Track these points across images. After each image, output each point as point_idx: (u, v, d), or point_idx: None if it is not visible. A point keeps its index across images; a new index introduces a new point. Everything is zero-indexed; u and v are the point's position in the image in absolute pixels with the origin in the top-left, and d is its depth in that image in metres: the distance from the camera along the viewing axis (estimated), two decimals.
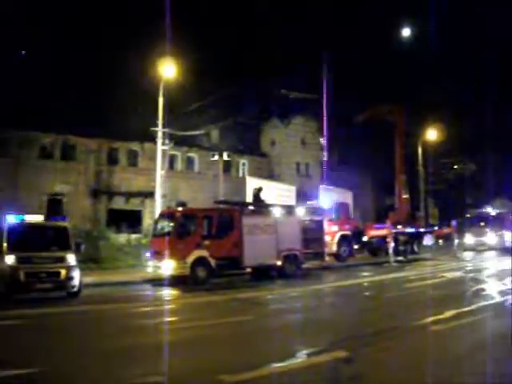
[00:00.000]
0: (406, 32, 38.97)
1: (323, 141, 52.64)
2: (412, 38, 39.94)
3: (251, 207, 22.70)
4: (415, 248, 32.08)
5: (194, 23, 41.52)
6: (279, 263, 20.51)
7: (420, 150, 41.87)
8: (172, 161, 37.52)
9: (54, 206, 31.03)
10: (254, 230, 20.08)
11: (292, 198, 35.77)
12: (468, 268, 23.20)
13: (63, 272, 14.82)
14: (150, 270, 19.45)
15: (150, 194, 29.69)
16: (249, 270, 20.70)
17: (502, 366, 7.09)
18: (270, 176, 43.39)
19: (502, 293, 13.97)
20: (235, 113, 39.36)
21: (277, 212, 21.98)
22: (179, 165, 39.43)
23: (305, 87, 42.64)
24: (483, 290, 14.90)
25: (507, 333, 9.15)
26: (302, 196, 36.45)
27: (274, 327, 10.54)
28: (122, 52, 32.76)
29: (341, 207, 29.50)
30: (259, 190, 24.11)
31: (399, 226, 30.97)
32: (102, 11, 38.82)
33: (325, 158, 52.73)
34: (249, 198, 26.57)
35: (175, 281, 17.92)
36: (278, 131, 46.56)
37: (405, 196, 34.47)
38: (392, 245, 27.98)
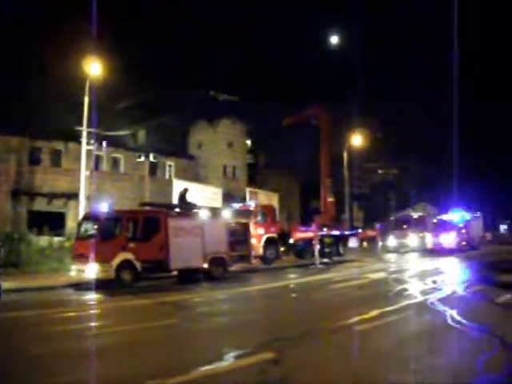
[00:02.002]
0: (334, 39, 39.83)
1: (250, 143, 53.10)
2: (339, 46, 40.88)
3: (177, 209, 22.45)
4: (340, 250, 32.72)
5: (122, 22, 40.88)
6: (206, 266, 20.40)
7: (345, 154, 42.76)
8: (97, 161, 36.60)
9: None
10: (181, 232, 19.86)
11: (218, 200, 35.82)
12: (391, 269, 23.81)
13: None
14: (73, 273, 18.87)
15: (74, 196, 28.84)
16: (175, 272, 20.43)
17: (424, 361, 7.29)
18: (197, 178, 43.17)
19: (424, 292, 14.40)
20: (163, 114, 38.91)
21: (203, 214, 21.86)
22: (104, 165, 38.54)
23: (233, 90, 42.78)
24: (406, 289, 15.29)
25: (428, 330, 9.46)
26: (229, 198, 36.49)
27: (201, 330, 10.42)
28: (47, 49, 31.68)
29: (267, 210, 29.70)
30: (185, 191, 23.89)
31: (325, 229, 31.49)
32: (25, 8, 37.55)
33: (251, 161, 53.17)
34: (175, 200, 26.35)
35: (100, 285, 17.44)
36: (205, 133, 46.39)
37: (330, 199, 35.08)
38: (318, 247, 28.43)
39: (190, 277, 20.37)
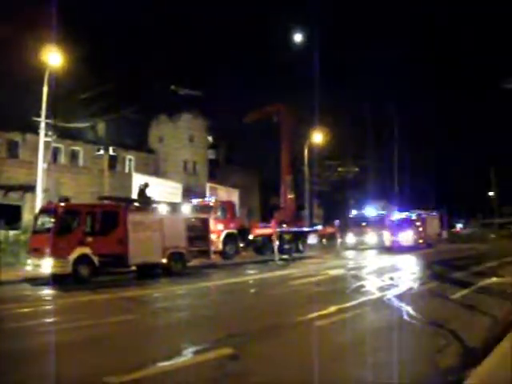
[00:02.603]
0: (298, 38, 39.96)
1: (211, 139, 52.96)
2: (303, 44, 41.05)
3: (137, 204, 22.25)
4: (300, 247, 32.99)
5: (85, 11, 40.17)
6: (165, 261, 20.27)
7: (306, 152, 43.01)
8: (55, 154, 35.92)
9: None
10: (140, 227, 19.68)
11: (178, 195, 35.67)
12: (350, 266, 24.06)
13: None
14: (29, 268, 18.47)
15: (31, 188, 28.21)
16: (134, 267, 20.24)
17: (381, 356, 7.40)
18: (157, 172, 42.90)
19: (381, 288, 14.59)
20: (123, 107, 38.46)
21: (163, 209, 21.75)
22: (63, 158, 37.87)
23: (194, 84, 42.54)
24: (363, 286, 15.48)
25: (385, 325, 9.60)
26: (189, 193, 36.35)
27: (159, 326, 10.35)
28: (3, 37, 30.84)
29: (227, 205, 29.70)
30: (145, 186, 23.66)
31: (284, 225, 31.68)
32: None
33: (212, 156, 53.05)
34: (134, 195, 26.08)
35: (56, 280, 17.11)
36: (166, 128, 46.12)
37: (290, 196, 35.31)
38: (277, 243, 28.54)
39: (148, 272, 20.24)
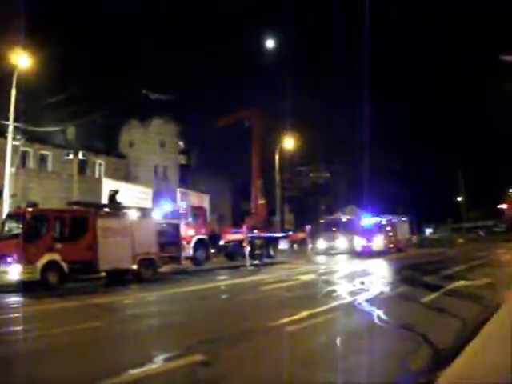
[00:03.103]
0: (270, 43, 40.10)
1: (182, 144, 52.78)
2: (275, 50, 41.22)
3: (107, 209, 22.02)
4: (271, 252, 33.06)
5: (57, 15, 39.72)
6: (135, 267, 20.11)
7: (277, 157, 43.14)
8: (24, 158, 35.36)
9: None
10: (109, 232, 19.50)
11: (149, 200, 35.39)
12: (321, 271, 24.16)
13: None
14: None
15: None
16: (104, 274, 20.03)
17: (352, 360, 7.44)
18: (128, 178, 42.57)
19: (352, 293, 14.67)
20: (94, 110, 38.09)
21: (133, 215, 21.57)
22: (31, 162, 37.30)
23: (166, 88, 42.28)
24: (335, 291, 15.52)
25: (356, 330, 9.66)
26: (160, 199, 36.15)
27: (129, 333, 10.23)
28: None
29: (198, 211, 29.58)
30: (115, 192, 23.49)
31: (255, 231, 31.70)
32: None
33: (184, 161, 52.86)
34: (105, 200, 25.82)
35: (24, 287, 16.81)
36: (137, 132, 45.85)
37: (261, 201, 35.40)
38: (248, 249, 28.56)
39: (118, 278, 20.05)
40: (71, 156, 32.95)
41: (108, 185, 30.64)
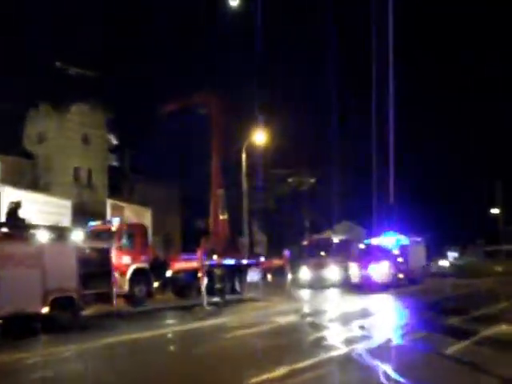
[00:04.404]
0: (234, 2, 40.04)
1: (114, 139, 52.46)
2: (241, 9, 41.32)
3: (4, 229, 21.62)
4: (237, 286, 32.92)
5: None
6: (46, 310, 19.67)
7: (244, 156, 43.07)
8: None
9: None
10: (8, 262, 19.00)
11: (67, 216, 35.02)
12: (305, 311, 24.44)
13: None
14: None
15: None
16: None
17: None
18: (36, 185, 42.08)
19: (349, 341, 14.64)
20: None
21: (44, 236, 21.16)
22: None
23: (90, 62, 42.01)
24: (325, 338, 15.58)
25: None
26: (82, 214, 35.82)
27: None
28: None
29: (135, 230, 29.34)
30: (17, 204, 23.06)
31: (215, 257, 31.45)
32: None
33: (116, 163, 52.57)
34: (2, 217, 25.46)
35: None
36: (49, 122, 45.33)
37: (222, 217, 35.25)
38: (205, 282, 28.26)
39: (21, 326, 19.61)
40: None
41: (7, 194, 30.24)
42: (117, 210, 42.36)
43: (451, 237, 71.26)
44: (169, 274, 29.84)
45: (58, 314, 19.97)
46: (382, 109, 47.23)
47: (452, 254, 71.34)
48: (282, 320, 20.62)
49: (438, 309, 23.62)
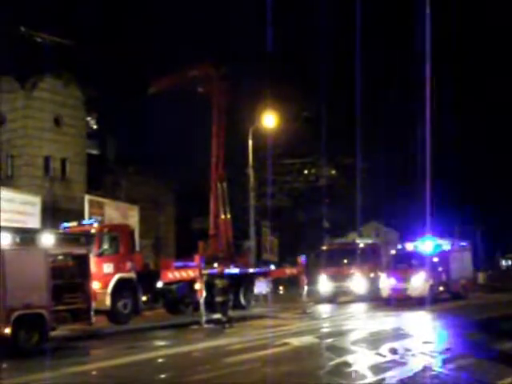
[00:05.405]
0: None
1: (94, 122, 52.47)
2: None
3: None
4: (242, 299, 32.87)
5: None
6: (8, 331, 19.62)
7: (251, 143, 43.01)
8: None
9: None
10: None
11: (35, 216, 35.07)
12: (324, 330, 24.38)
13: None
14: None
15: None
16: None
17: None
18: None
19: (377, 369, 14.59)
20: None
21: (4, 240, 21.09)
22: None
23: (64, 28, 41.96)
24: (348, 364, 15.54)
25: None
26: (54, 213, 35.90)
27: None
28: None
29: (119, 232, 29.29)
30: None
31: (215, 265, 31.43)
32: None
33: (96, 151, 52.61)
34: None
35: None
36: (13, 100, 45.19)
37: (224, 216, 35.20)
38: (204, 295, 28.23)
39: None
40: None
41: None
42: (97, 208, 42.39)
43: (504, 242, 70.83)
44: (160, 285, 29.79)
45: (22, 336, 19.93)
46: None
47: (506, 262, 70.84)
48: (296, 341, 20.62)
49: (488, 330, 23.42)
